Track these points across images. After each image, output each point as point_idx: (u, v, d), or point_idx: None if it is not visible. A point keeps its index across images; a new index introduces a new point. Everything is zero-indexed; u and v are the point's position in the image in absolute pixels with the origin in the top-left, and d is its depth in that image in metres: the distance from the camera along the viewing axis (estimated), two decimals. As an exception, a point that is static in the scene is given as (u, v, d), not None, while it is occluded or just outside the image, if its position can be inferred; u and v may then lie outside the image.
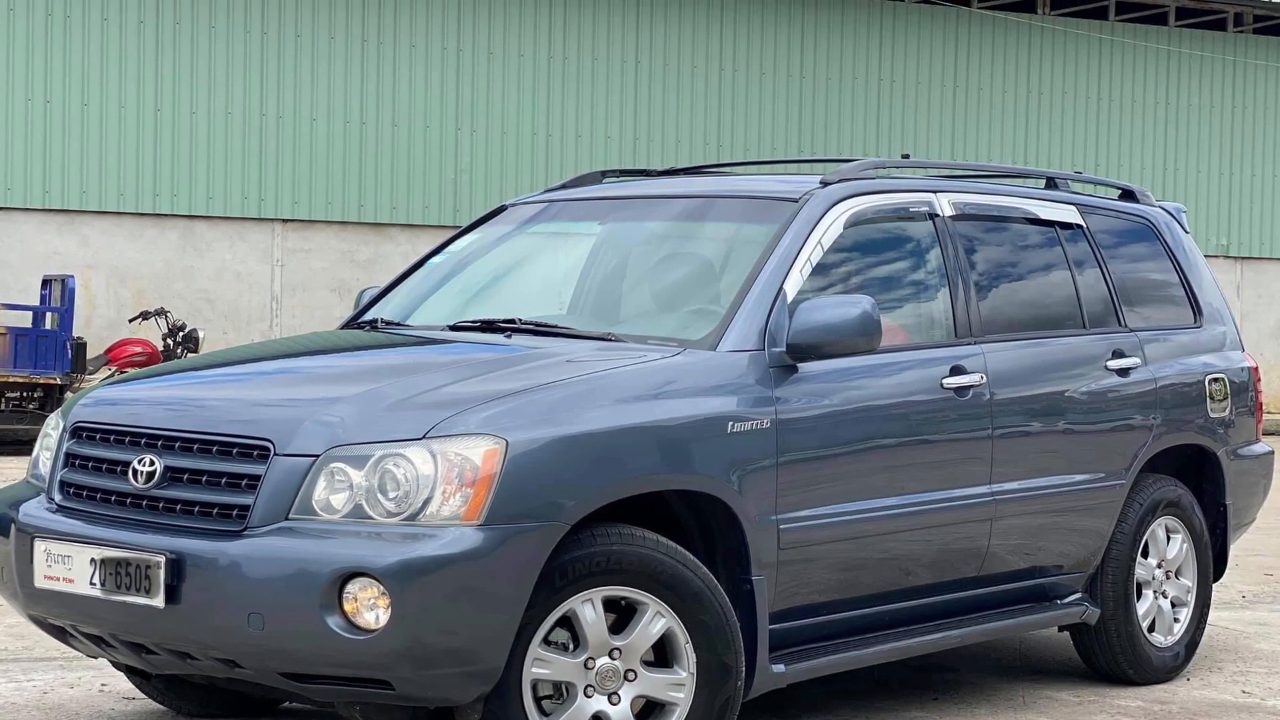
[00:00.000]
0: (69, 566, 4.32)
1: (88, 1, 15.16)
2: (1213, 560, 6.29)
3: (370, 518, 4.08)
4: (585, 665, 4.27)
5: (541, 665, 4.21)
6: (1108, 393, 5.83)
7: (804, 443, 4.74)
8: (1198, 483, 6.31)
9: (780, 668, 4.68)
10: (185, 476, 4.27)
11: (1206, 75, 19.45)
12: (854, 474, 4.94)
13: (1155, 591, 6.04)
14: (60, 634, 4.57)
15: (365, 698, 4.17)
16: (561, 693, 4.28)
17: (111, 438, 4.48)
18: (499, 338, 4.99)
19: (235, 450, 4.22)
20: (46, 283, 14.11)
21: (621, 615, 4.33)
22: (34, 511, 4.52)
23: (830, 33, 17.83)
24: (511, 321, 5.08)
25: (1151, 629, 6.00)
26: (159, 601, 4.14)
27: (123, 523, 4.30)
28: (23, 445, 12.85)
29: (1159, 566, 6.06)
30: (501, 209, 5.97)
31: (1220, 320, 6.49)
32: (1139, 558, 5.94)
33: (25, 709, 5.23)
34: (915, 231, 5.45)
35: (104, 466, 4.45)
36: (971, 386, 5.28)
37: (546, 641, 4.23)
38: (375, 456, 4.11)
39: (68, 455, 4.57)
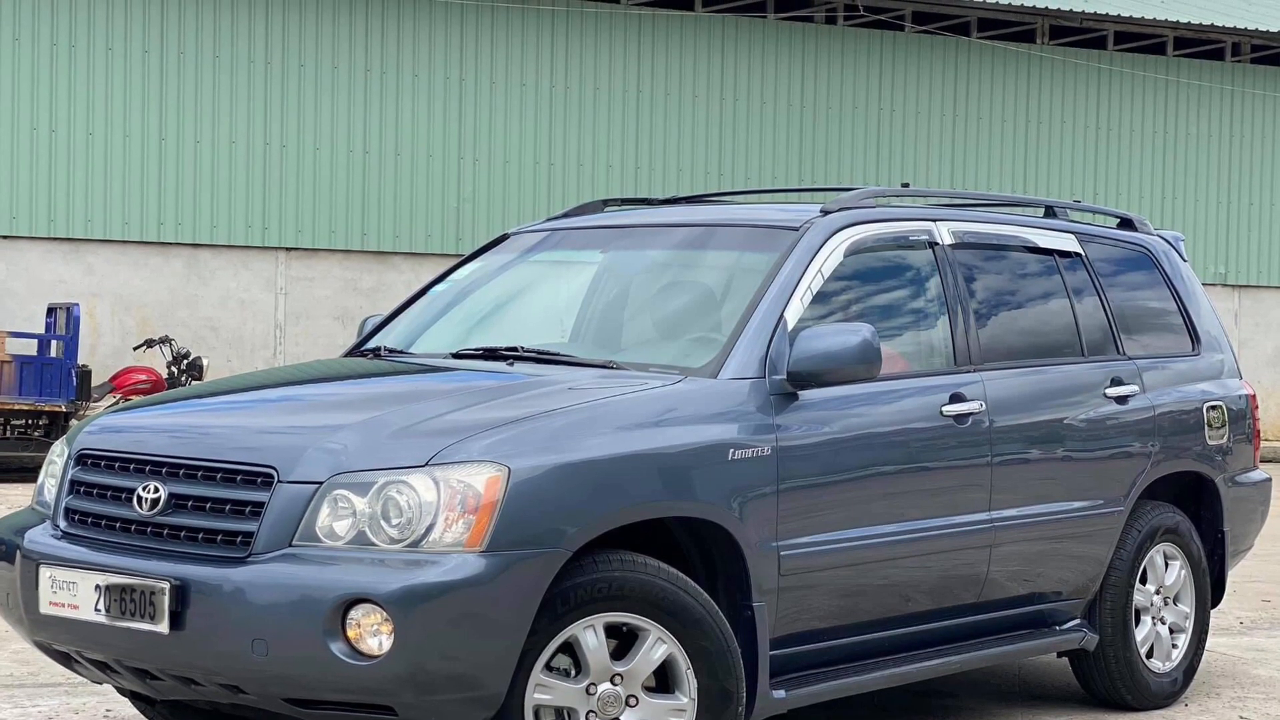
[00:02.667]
0: (74, 593, 4.34)
1: (92, 31, 15.24)
2: (1211, 586, 6.30)
3: (373, 544, 4.10)
4: (587, 691, 4.29)
5: (544, 691, 4.24)
6: (1106, 420, 5.86)
7: (804, 470, 4.76)
8: (1196, 510, 6.33)
9: (781, 693, 4.70)
10: (189, 503, 4.29)
11: (1205, 104, 19.51)
12: (854, 501, 4.96)
13: (1154, 618, 6.06)
14: (65, 660, 4.58)
15: (368, 723, 4.19)
16: (564, 718, 4.29)
17: (116, 465, 4.50)
18: (501, 365, 5.02)
19: (239, 477, 4.25)
20: (52, 311, 14.16)
21: (623, 641, 4.35)
22: (39, 538, 4.55)
23: (830, 62, 17.90)
24: (514, 349, 5.11)
25: (1150, 655, 6.02)
26: (163, 627, 4.16)
27: (127, 549, 4.33)
28: (28, 472, 12.87)
29: (1157, 593, 6.08)
30: (504, 238, 6.00)
31: (1218, 348, 6.52)
32: (1137, 584, 5.96)
33: (29, 735, 5.25)
34: (915, 260, 5.49)
35: (109, 493, 4.47)
36: (971, 414, 5.31)
37: (549, 667, 4.25)
38: (378, 484, 4.14)
39: (73, 482, 4.60)
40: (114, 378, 14.41)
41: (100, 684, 4.76)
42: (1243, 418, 6.43)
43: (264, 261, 15.90)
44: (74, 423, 12.92)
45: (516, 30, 16.63)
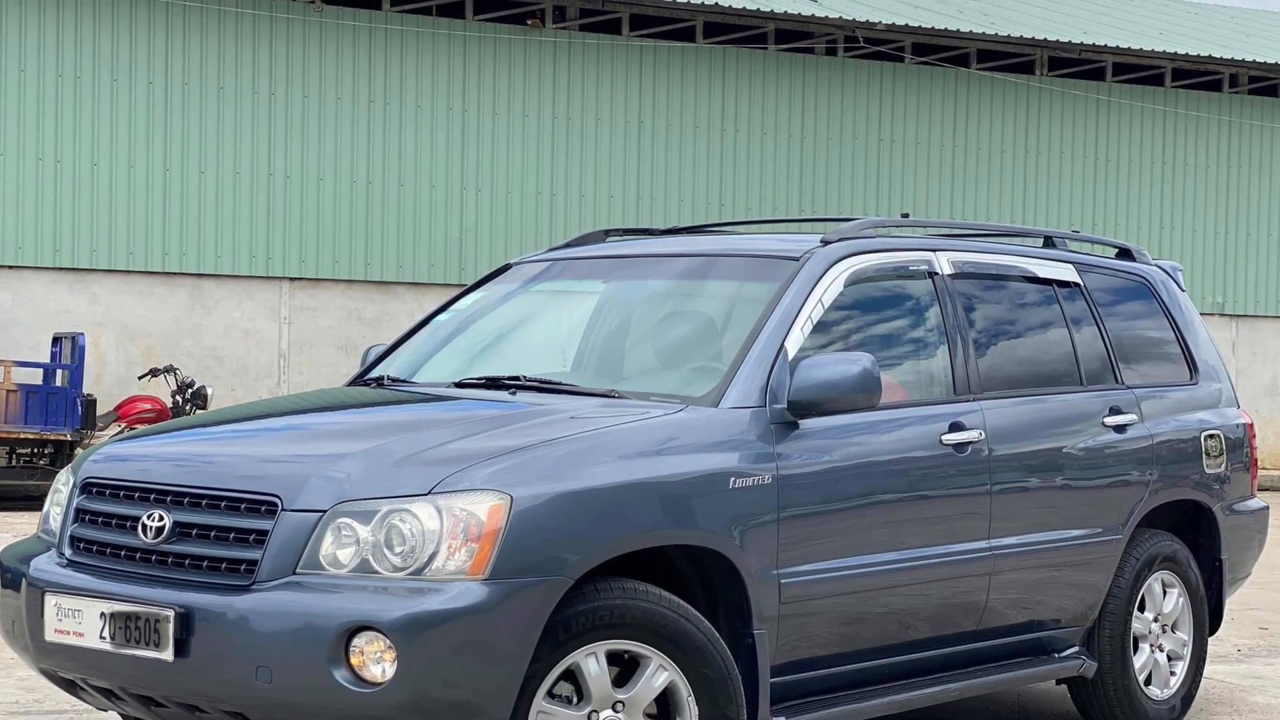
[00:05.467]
0: (79, 620, 4.37)
1: (97, 62, 15.32)
2: (1208, 614, 6.32)
3: (376, 572, 4.13)
4: (589, 718, 4.31)
5: (546, 718, 4.25)
6: (1105, 449, 5.89)
7: (805, 498, 4.78)
8: (1194, 538, 6.35)
9: (781, 720, 4.73)
10: (194, 531, 4.32)
11: (1202, 135, 19.58)
12: (854, 529, 4.99)
13: (1152, 645, 6.08)
14: (71, 687, 4.61)
15: (371, 750, 4.20)
16: (565, 745, 4.32)
17: (121, 493, 4.53)
18: (504, 394, 5.05)
19: (243, 505, 4.28)
20: (57, 340, 14.21)
21: (625, 668, 4.37)
22: (45, 566, 4.58)
23: (831, 93, 17.97)
24: (516, 378, 5.14)
25: (1148, 682, 6.04)
26: (168, 655, 4.18)
27: (132, 577, 4.35)
28: (33, 500, 12.89)
29: (1155, 620, 6.10)
30: (506, 268, 6.04)
31: (1216, 377, 6.55)
32: (1136, 612, 5.98)
33: (34, 763, 5.27)
34: (915, 290, 5.52)
35: (114, 521, 4.50)
36: (970, 443, 5.34)
37: (550, 694, 4.27)
38: (381, 512, 4.17)
39: (78, 510, 4.62)
40: (119, 407, 14.45)
41: (105, 711, 4.78)
42: (1240, 446, 6.45)
43: (268, 291, 15.95)
44: (79, 451, 12.95)
45: (519, 61, 16.71)
